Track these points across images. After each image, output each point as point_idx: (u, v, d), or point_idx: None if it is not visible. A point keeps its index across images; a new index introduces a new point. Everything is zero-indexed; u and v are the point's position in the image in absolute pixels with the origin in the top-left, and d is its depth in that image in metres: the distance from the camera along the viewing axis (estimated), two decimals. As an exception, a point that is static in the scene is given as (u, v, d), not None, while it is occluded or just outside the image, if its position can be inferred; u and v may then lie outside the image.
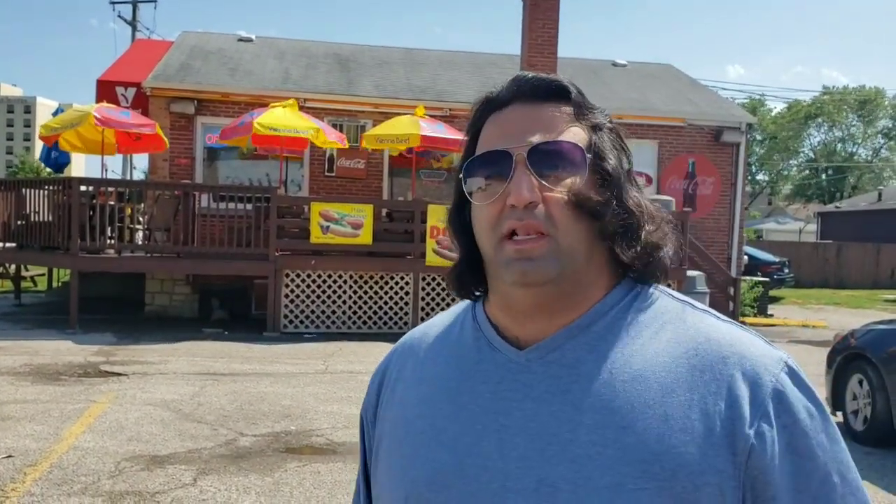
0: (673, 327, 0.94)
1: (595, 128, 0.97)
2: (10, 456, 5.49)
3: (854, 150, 59.57)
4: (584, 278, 0.94)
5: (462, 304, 1.09)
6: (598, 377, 0.91)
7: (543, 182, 0.91)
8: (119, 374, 8.47)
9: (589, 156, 0.93)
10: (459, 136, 12.96)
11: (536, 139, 0.93)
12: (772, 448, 0.86)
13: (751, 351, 0.92)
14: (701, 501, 0.84)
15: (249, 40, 18.06)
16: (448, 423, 0.96)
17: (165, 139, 13.04)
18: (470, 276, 1.03)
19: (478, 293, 1.04)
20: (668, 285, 1.04)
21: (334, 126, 14.41)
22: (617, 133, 0.99)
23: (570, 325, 0.95)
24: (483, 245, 0.96)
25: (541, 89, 0.97)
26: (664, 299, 0.99)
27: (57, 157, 15.82)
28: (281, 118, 12.11)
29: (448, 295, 12.62)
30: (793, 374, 0.91)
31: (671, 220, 1.01)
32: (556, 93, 0.97)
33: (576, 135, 0.95)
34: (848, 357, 7.04)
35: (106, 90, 14.99)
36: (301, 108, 13.47)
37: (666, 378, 0.90)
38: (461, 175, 0.98)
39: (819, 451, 0.88)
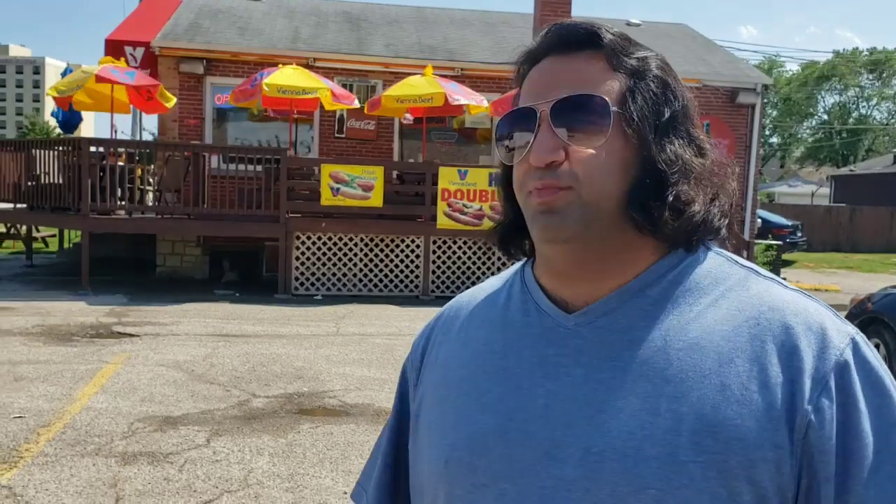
0: (735, 295, 0.89)
1: (634, 74, 0.90)
2: (21, 416, 5.51)
3: (869, 112, 58.90)
4: (625, 239, 0.89)
5: (513, 268, 1.05)
6: (651, 344, 0.86)
7: (569, 139, 0.86)
8: (131, 335, 8.49)
9: (614, 108, 0.87)
10: (478, 95, 12.88)
11: (560, 94, 0.88)
12: (829, 426, 0.81)
13: (817, 322, 0.86)
14: (756, 477, 0.80)
15: (259, -1, 17.83)
16: (492, 385, 0.93)
17: (169, 99, 12.84)
18: (515, 238, 0.99)
19: (523, 253, 1.01)
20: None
21: (344, 86, 14.25)
22: (662, 80, 0.91)
23: (622, 289, 0.90)
24: (519, 204, 0.93)
25: (571, 38, 0.91)
26: (727, 265, 0.93)
27: (69, 119, 15.72)
28: (290, 78, 11.97)
29: (459, 258, 12.58)
30: (858, 351, 0.85)
31: (722, 172, 0.93)
32: (588, 41, 0.91)
33: (606, 86, 0.88)
34: (864, 322, 6.98)
35: (114, 50, 14.81)
36: (310, 68, 13.33)
37: (724, 347, 0.85)
38: (495, 134, 0.94)
39: (875, 437, 0.82)
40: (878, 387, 0.84)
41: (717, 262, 0.93)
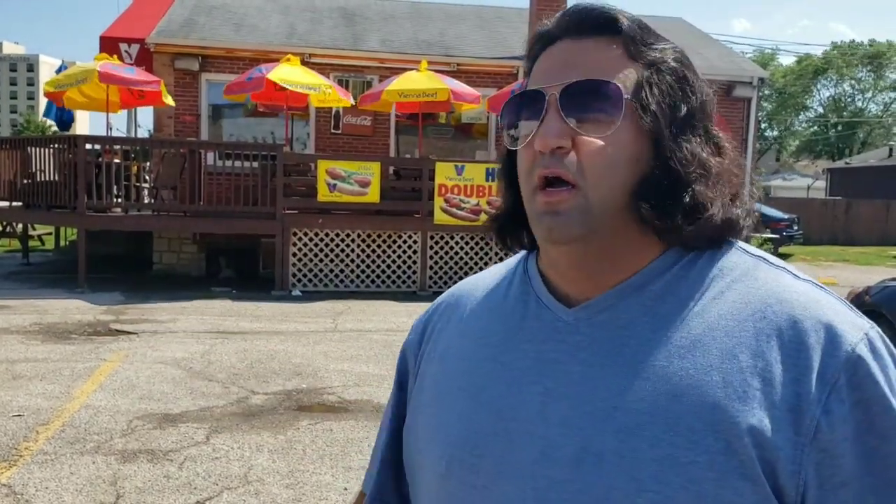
0: (742, 286, 0.85)
1: (651, 65, 0.86)
2: (20, 415, 5.50)
3: (864, 105, 58.93)
4: (630, 235, 0.85)
5: (517, 257, 1.01)
6: (651, 341, 0.83)
7: (577, 126, 0.82)
8: (129, 333, 8.48)
9: (626, 97, 0.82)
10: (474, 91, 12.88)
11: (572, 78, 0.83)
12: (842, 427, 0.76)
13: (828, 315, 0.81)
14: (758, 479, 0.75)
15: (253, -5, 17.78)
16: (489, 381, 0.90)
17: (169, 97, 12.87)
18: (513, 230, 0.96)
19: (524, 246, 0.97)
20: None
21: (340, 82, 14.25)
22: (681, 73, 0.87)
23: (623, 284, 0.86)
24: (523, 195, 0.89)
25: (587, 22, 0.86)
26: (735, 254, 0.88)
27: (61, 115, 15.68)
28: (293, 74, 11.96)
29: (456, 254, 12.57)
30: (874, 346, 0.80)
31: (742, 171, 0.89)
32: (605, 26, 0.86)
33: (621, 74, 0.84)
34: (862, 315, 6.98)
35: (109, 47, 14.75)
36: (306, 64, 13.30)
37: (728, 343, 0.80)
38: (500, 119, 0.90)
39: None
40: None
41: (723, 253, 0.88)
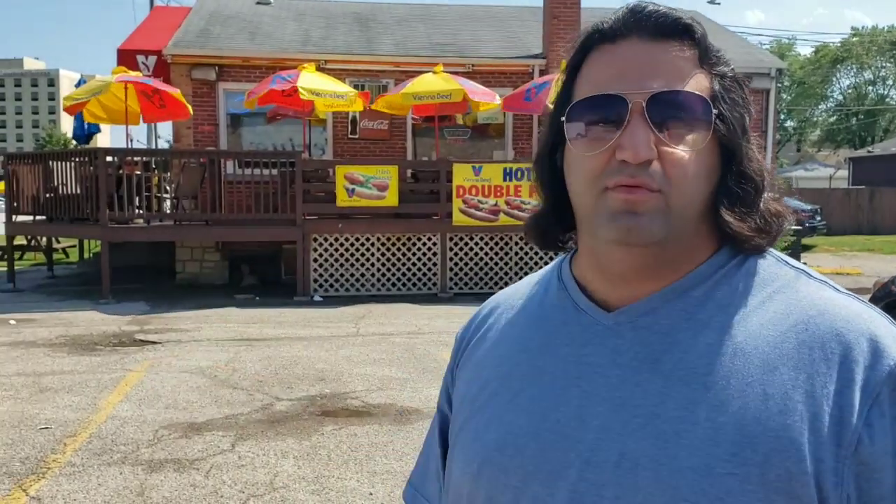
0: (783, 297, 0.84)
1: (720, 76, 0.85)
2: (47, 427, 5.56)
3: (885, 92, 58.20)
4: (691, 242, 0.85)
5: (551, 265, 1.01)
6: (693, 348, 0.82)
7: (661, 136, 0.80)
8: (154, 343, 8.55)
9: (715, 111, 0.82)
10: (490, 91, 12.85)
11: (658, 86, 0.81)
12: (882, 440, 0.75)
13: (871, 329, 0.80)
14: (796, 492, 0.75)
15: (268, 3, 17.83)
16: (525, 385, 0.90)
17: (188, 105, 12.97)
18: (557, 228, 0.95)
19: (563, 245, 0.97)
20: None
21: (355, 87, 14.27)
22: (739, 83, 0.87)
23: (667, 289, 0.85)
24: (579, 196, 0.86)
25: (665, 26, 0.83)
26: (776, 265, 0.88)
27: (88, 127, 15.82)
28: (320, 82, 12.04)
29: (476, 255, 12.55)
30: None
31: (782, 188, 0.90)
32: (681, 31, 0.84)
33: (700, 84, 0.83)
34: (889, 304, 6.89)
35: (127, 59, 14.90)
36: (322, 70, 13.35)
37: (770, 354, 0.80)
38: (563, 118, 0.86)
39: None
40: None
41: (765, 263, 0.88)
